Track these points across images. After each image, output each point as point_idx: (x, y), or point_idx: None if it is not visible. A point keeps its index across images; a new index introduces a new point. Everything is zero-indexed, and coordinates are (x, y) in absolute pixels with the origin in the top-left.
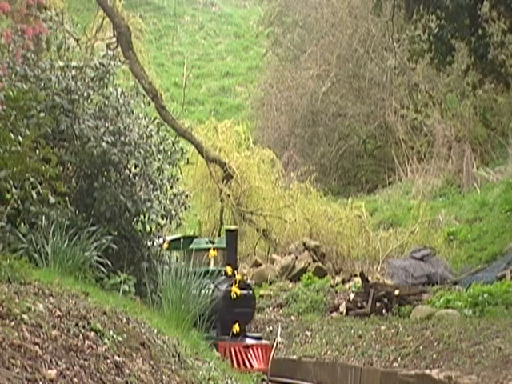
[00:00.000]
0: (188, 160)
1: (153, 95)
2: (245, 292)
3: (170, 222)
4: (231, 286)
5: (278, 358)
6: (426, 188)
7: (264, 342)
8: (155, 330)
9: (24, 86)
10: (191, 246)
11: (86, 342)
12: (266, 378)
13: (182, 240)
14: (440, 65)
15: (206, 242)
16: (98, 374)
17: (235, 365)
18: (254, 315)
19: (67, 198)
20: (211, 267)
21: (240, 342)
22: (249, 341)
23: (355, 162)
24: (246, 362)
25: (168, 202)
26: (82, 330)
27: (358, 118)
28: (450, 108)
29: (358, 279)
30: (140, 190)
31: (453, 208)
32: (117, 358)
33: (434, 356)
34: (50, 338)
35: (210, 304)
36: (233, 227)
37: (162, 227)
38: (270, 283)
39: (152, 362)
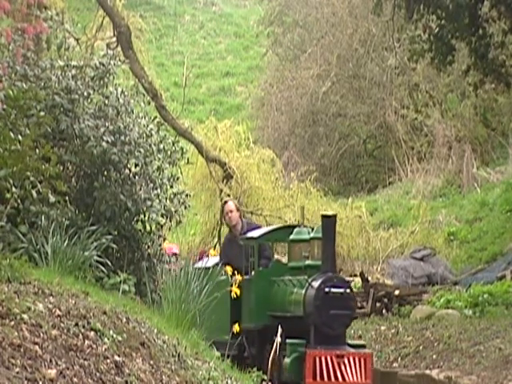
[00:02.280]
0: (188, 159)
1: (153, 95)
2: (340, 290)
3: (170, 221)
4: (325, 283)
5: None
6: (426, 188)
7: (364, 350)
8: (155, 330)
9: (24, 85)
10: (292, 237)
11: (86, 341)
12: (265, 378)
13: (281, 230)
14: (440, 65)
15: (308, 232)
16: (97, 374)
17: (325, 378)
18: (353, 318)
19: (67, 198)
20: (309, 261)
21: (333, 349)
22: (344, 349)
23: (355, 162)
24: (339, 374)
25: (168, 201)
26: (82, 330)
27: (359, 117)
28: (450, 108)
29: (357, 279)
30: (140, 189)
31: (453, 208)
32: (117, 357)
33: (434, 356)
34: (50, 337)
35: (299, 305)
36: (330, 213)
37: (161, 226)
38: None
39: (152, 362)
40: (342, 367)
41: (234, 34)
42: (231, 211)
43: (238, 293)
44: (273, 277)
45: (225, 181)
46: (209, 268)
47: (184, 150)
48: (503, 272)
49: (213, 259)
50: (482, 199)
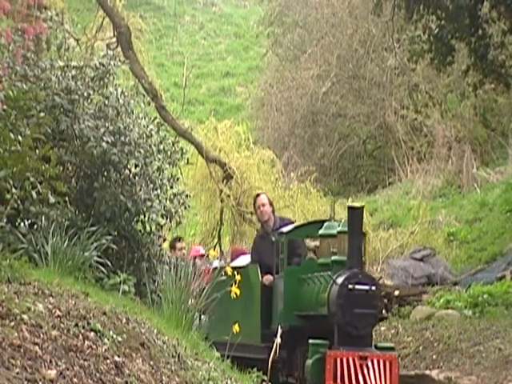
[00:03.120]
0: (188, 160)
1: (153, 95)
2: (365, 287)
3: (170, 222)
4: (348, 279)
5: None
6: (425, 188)
7: (390, 353)
8: (155, 331)
9: (24, 85)
10: (321, 232)
11: (86, 342)
12: (265, 378)
13: (312, 225)
14: (440, 65)
15: (339, 225)
16: (97, 374)
17: (346, 381)
18: (380, 318)
19: (67, 198)
20: (335, 257)
21: (356, 351)
22: (368, 350)
23: (355, 162)
24: (361, 377)
25: (168, 201)
26: (82, 330)
27: (358, 118)
28: (450, 108)
29: None
30: (140, 189)
31: (453, 208)
32: (116, 358)
33: (434, 357)
34: (50, 338)
35: (324, 304)
36: (357, 204)
37: (161, 227)
38: None
39: (152, 363)
40: (365, 370)
41: (233, 35)
42: (263, 205)
43: (238, 293)
44: (303, 275)
45: (225, 181)
46: (244, 267)
47: (184, 151)
48: (503, 272)
49: (245, 258)
50: (481, 199)
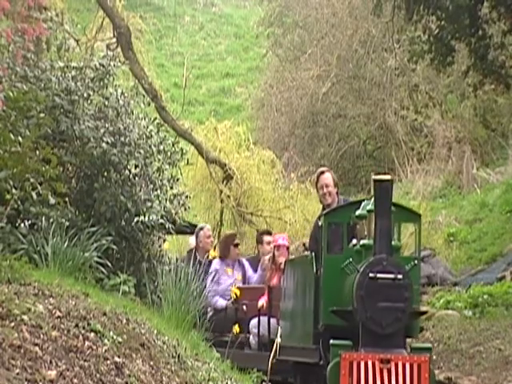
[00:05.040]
0: (188, 160)
1: (153, 96)
2: (390, 276)
3: (170, 222)
4: (370, 267)
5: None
6: (426, 189)
7: (420, 355)
8: (155, 331)
9: (24, 86)
10: (357, 213)
11: (86, 342)
12: (265, 378)
13: (355, 205)
14: (440, 66)
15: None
16: (97, 375)
17: None
18: (411, 313)
19: (67, 199)
20: (365, 241)
21: (377, 352)
22: (394, 352)
23: (355, 162)
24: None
25: (168, 202)
26: (82, 331)
27: (359, 118)
28: (450, 109)
29: None
30: (140, 190)
31: (453, 209)
32: (117, 358)
33: (434, 357)
34: (50, 338)
35: (350, 297)
36: (385, 176)
37: (162, 227)
38: None
39: (152, 363)
40: (386, 375)
41: (233, 35)
42: (327, 186)
43: (238, 293)
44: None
45: (225, 182)
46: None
47: (184, 151)
48: (503, 273)
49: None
50: (481, 200)
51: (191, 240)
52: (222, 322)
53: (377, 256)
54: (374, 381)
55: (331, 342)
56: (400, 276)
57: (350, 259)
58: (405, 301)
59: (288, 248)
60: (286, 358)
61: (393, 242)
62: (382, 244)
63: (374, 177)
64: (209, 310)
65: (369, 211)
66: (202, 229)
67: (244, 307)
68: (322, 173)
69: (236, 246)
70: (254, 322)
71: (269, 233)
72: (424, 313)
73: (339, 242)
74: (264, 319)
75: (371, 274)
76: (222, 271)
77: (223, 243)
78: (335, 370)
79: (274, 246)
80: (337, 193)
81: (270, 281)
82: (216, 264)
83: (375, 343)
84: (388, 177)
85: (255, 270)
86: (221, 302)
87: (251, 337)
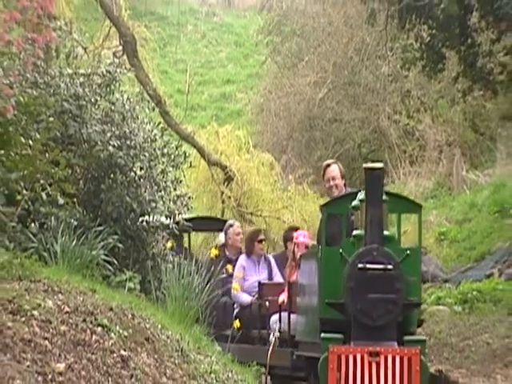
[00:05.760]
0: (191, 163)
1: (157, 101)
2: (380, 266)
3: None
4: (359, 257)
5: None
6: (417, 190)
7: (411, 347)
8: (159, 326)
9: (34, 92)
10: (353, 203)
11: (94, 336)
12: (264, 370)
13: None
14: (431, 72)
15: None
16: (104, 368)
17: (350, 383)
18: (406, 304)
19: (75, 200)
20: (357, 231)
21: (366, 345)
22: (384, 345)
23: (350, 165)
24: (367, 378)
25: (172, 202)
26: (90, 326)
27: (353, 123)
28: (440, 114)
29: None
30: (145, 191)
31: (443, 209)
32: (123, 352)
33: (426, 351)
34: (59, 332)
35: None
36: (377, 164)
37: (165, 227)
38: None
39: (156, 356)
40: (375, 369)
41: (234, 43)
42: (333, 178)
43: (238, 288)
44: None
45: (226, 183)
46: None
47: (187, 154)
48: (491, 270)
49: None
50: (471, 201)
51: (220, 237)
52: (247, 318)
53: (367, 246)
54: (362, 375)
55: (322, 335)
56: (390, 266)
57: (340, 250)
58: (396, 292)
59: (307, 246)
60: (301, 354)
61: (386, 232)
62: (373, 234)
63: (365, 165)
64: (235, 306)
65: (361, 201)
66: (231, 226)
67: (266, 303)
68: (328, 165)
69: (260, 241)
70: (275, 317)
71: (297, 229)
72: (419, 304)
73: (339, 234)
74: (284, 315)
75: (360, 265)
76: (249, 267)
77: (248, 239)
78: (325, 364)
79: (294, 243)
80: (344, 184)
81: (291, 277)
82: (242, 260)
83: (366, 336)
84: (380, 165)
85: (283, 267)
86: (246, 298)
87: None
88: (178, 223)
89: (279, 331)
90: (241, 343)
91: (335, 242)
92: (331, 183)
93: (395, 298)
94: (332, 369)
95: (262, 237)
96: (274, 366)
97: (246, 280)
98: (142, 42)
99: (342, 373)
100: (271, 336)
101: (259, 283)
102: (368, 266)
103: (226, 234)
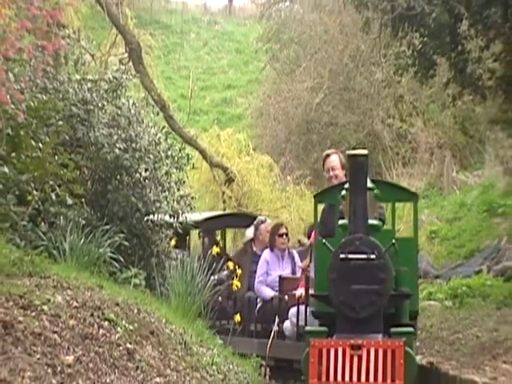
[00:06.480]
0: (193, 165)
1: (161, 106)
2: (362, 256)
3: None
4: (342, 247)
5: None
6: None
7: (395, 340)
8: (163, 320)
9: (44, 97)
10: (343, 193)
11: (101, 330)
12: (264, 362)
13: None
14: (423, 78)
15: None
16: (111, 360)
17: (331, 377)
18: (392, 295)
19: (83, 200)
20: (343, 221)
21: (348, 338)
22: (367, 337)
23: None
24: (348, 371)
25: (175, 202)
26: (97, 320)
27: (349, 126)
28: (432, 117)
29: None
30: (150, 191)
31: (434, 209)
32: (128, 345)
33: (418, 344)
34: (68, 327)
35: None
36: (361, 151)
37: (169, 226)
38: None
39: (160, 349)
40: (356, 362)
41: (235, 50)
42: (333, 169)
43: (239, 285)
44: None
45: (227, 184)
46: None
47: (190, 156)
48: (480, 267)
49: None
50: (460, 200)
51: (248, 232)
52: (269, 312)
53: (350, 236)
54: (343, 368)
55: (306, 328)
56: (373, 256)
57: (323, 240)
58: (380, 282)
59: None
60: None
61: (373, 221)
62: (356, 223)
63: (348, 152)
64: (258, 300)
65: (346, 189)
66: (263, 222)
67: (286, 297)
68: (328, 156)
69: (281, 236)
70: (293, 310)
71: None
72: (409, 296)
73: (333, 225)
74: (302, 309)
75: (342, 255)
76: (272, 262)
77: (270, 234)
78: (307, 358)
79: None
80: (345, 175)
81: (308, 271)
82: (266, 255)
83: (350, 328)
84: (364, 151)
85: None
86: (268, 293)
87: (289, 326)
88: (181, 223)
89: (278, 325)
90: (261, 338)
91: (332, 233)
92: (331, 173)
93: (379, 289)
94: (313, 363)
95: (283, 231)
96: (274, 358)
97: (269, 275)
98: (147, 49)
99: (323, 367)
100: (289, 327)
101: (280, 277)
102: (350, 256)
103: (256, 229)
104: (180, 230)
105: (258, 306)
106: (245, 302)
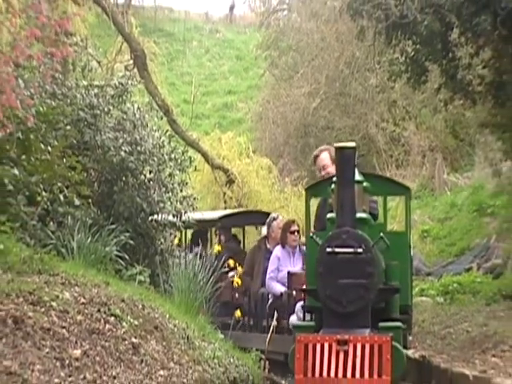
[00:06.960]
0: (196, 167)
1: (165, 110)
2: (349, 250)
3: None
4: (328, 241)
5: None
6: None
7: (382, 335)
8: (167, 315)
9: (53, 102)
10: (332, 186)
11: (107, 325)
12: (263, 356)
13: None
14: (415, 84)
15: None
16: (117, 354)
17: (317, 373)
18: (381, 289)
19: (90, 200)
20: (331, 215)
21: (335, 333)
22: (353, 332)
23: None
24: (333, 366)
25: (178, 203)
26: (104, 315)
27: (344, 130)
28: (424, 121)
29: None
30: (154, 192)
31: (426, 209)
32: (134, 339)
33: (410, 338)
34: (76, 322)
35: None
36: (348, 144)
37: (172, 225)
38: None
39: (164, 343)
40: (342, 357)
41: (235, 57)
42: (324, 167)
43: (240, 283)
44: None
45: (228, 185)
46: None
47: (192, 159)
48: (470, 264)
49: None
50: (451, 201)
51: (263, 229)
52: (280, 307)
53: (336, 230)
54: (329, 363)
55: (293, 322)
56: (360, 250)
57: (311, 234)
58: (367, 277)
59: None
60: None
61: (362, 215)
62: (344, 216)
63: (335, 144)
64: (269, 296)
65: (334, 182)
66: (275, 219)
67: (294, 292)
68: (317, 156)
69: (292, 232)
70: (299, 305)
71: None
72: (398, 290)
73: (325, 218)
74: None
75: (329, 249)
76: (283, 258)
77: (282, 231)
78: (293, 353)
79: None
80: None
81: None
82: (277, 251)
83: (338, 323)
84: (352, 144)
85: None
86: (279, 288)
87: (295, 320)
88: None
89: (277, 320)
90: (275, 333)
91: (325, 227)
92: (323, 173)
93: (366, 283)
94: (299, 358)
95: (294, 228)
96: (273, 352)
97: (280, 271)
98: (152, 56)
99: (308, 362)
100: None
101: (288, 273)
102: (337, 249)
103: (268, 226)
104: (200, 228)
105: (270, 301)
106: (258, 298)
